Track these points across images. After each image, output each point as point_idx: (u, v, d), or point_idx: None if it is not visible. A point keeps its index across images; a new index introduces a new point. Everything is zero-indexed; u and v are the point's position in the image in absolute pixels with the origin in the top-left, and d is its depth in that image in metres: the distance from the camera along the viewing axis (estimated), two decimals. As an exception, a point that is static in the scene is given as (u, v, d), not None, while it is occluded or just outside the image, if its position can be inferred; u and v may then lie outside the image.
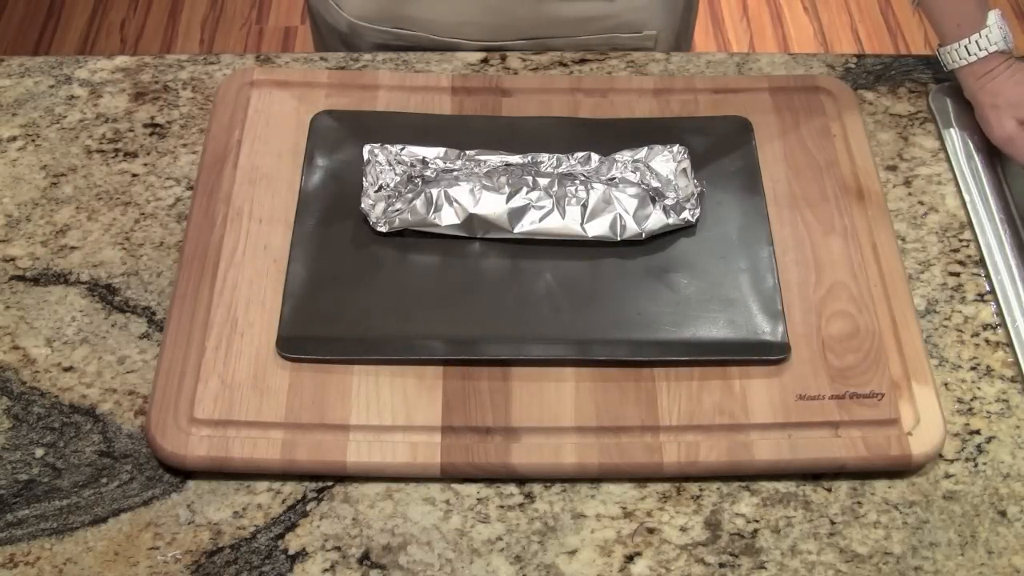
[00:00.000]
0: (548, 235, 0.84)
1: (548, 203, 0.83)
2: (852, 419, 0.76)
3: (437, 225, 0.83)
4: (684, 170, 0.87)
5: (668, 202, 0.85)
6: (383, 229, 0.84)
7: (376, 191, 0.85)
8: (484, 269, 0.83)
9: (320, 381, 0.77)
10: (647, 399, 0.77)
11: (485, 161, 0.86)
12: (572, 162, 0.87)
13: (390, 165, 0.86)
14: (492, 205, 0.83)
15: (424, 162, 0.86)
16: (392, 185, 0.85)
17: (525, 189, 0.83)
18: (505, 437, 0.75)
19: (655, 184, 0.85)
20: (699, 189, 0.87)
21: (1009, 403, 0.80)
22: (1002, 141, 0.92)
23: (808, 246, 0.86)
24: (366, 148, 0.87)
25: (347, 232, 0.85)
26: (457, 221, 0.83)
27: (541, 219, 0.83)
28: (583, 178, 0.85)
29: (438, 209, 0.83)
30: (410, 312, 0.80)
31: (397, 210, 0.84)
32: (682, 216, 0.85)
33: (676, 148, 0.88)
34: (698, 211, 0.86)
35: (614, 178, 0.86)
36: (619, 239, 0.83)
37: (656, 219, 0.84)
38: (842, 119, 0.94)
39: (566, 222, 0.83)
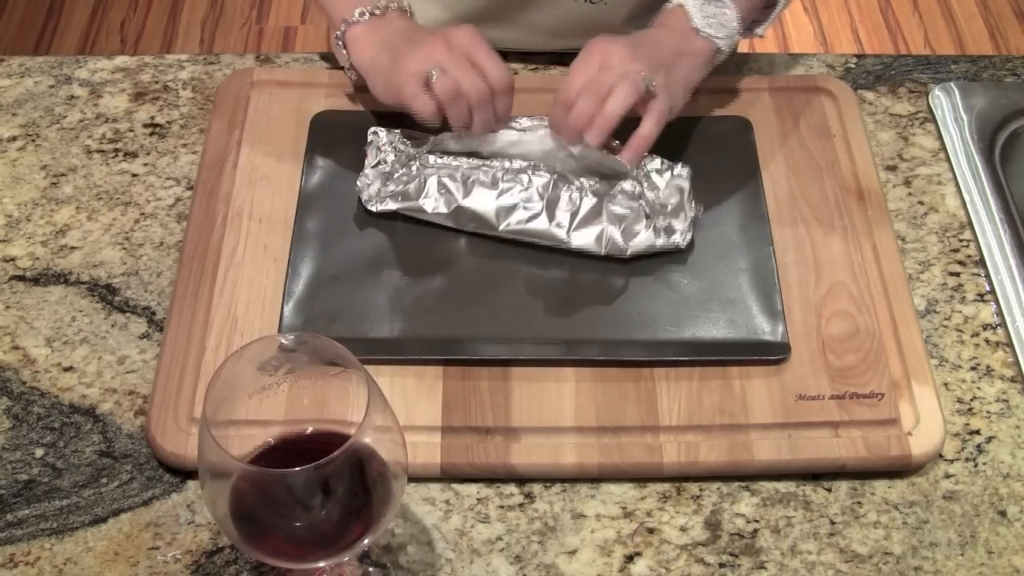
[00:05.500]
0: (532, 237, 0.83)
1: (538, 205, 0.82)
2: (852, 419, 0.76)
3: (424, 211, 0.83)
4: (683, 190, 0.85)
5: (660, 223, 0.83)
6: (373, 208, 0.84)
7: (374, 166, 0.85)
8: (484, 269, 0.83)
9: (320, 381, 0.77)
10: (647, 399, 0.77)
11: (490, 162, 0.85)
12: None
13: (392, 146, 0.86)
14: (482, 199, 0.83)
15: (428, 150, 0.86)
16: (390, 162, 0.85)
17: (519, 188, 0.83)
18: (505, 437, 0.75)
19: (652, 198, 0.84)
20: (695, 214, 0.85)
21: (1009, 403, 0.80)
22: None
23: (808, 246, 0.86)
24: (370, 130, 0.87)
25: (347, 232, 0.85)
26: (445, 211, 0.83)
27: (528, 220, 0.82)
28: (579, 183, 0.83)
29: (428, 195, 0.83)
30: (410, 312, 0.80)
31: (390, 192, 0.84)
32: (672, 239, 0.83)
33: (679, 168, 0.86)
34: (690, 235, 0.84)
35: (613, 181, 0.84)
36: (603, 252, 0.82)
37: (644, 238, 0.82)
38: (842, 119, 0.95)
39: (552, 227, 0.82)
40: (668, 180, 0.85)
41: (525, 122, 0.87)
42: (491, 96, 0.83)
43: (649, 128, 0.82)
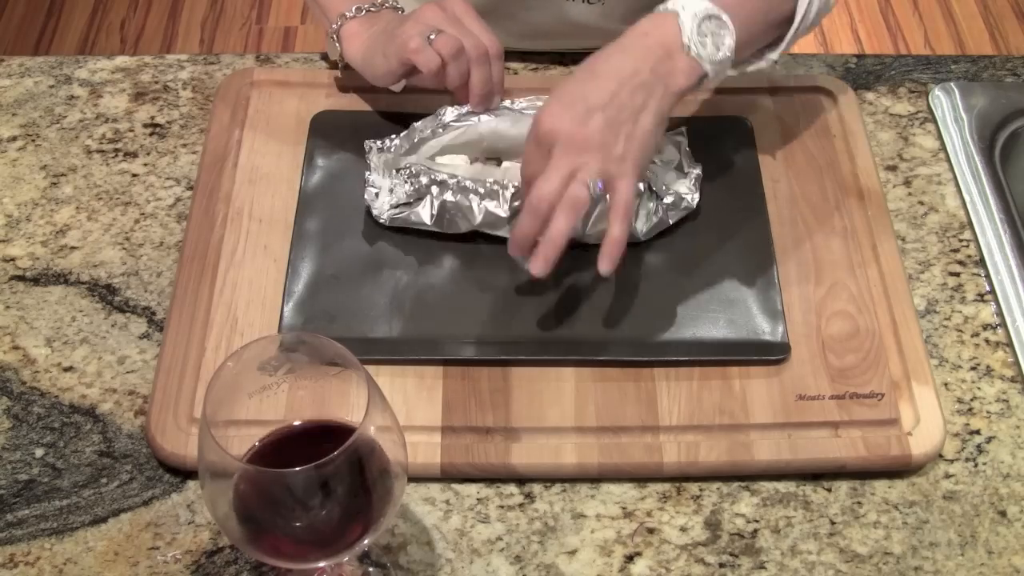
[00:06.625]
0: None
1: None
2: (852, 419, 0.76)
3: (440, 233, 0.83)
4: (680, 144, 0.86)
5: (667, 199, 0.83)
6: (385, 221, 0.84)
7: (377, 194, 0.84)
8: (484, 269, 0.83)
9: (320, 381, 0.77)
10: (647, 399, 0.77)
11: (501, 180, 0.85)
12: None
13: (391, 163, 0.86)
14: (494, 221, 0.82)
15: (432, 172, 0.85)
16: (394, 185, 0.84)
17: None
18: (505, 437, 0.75)
19: (650, 176, 0.83)
20: (697, 171, 0.85)
21: (1009, 403, 0.80)
22: None
23: (808, 246, 0.86)
24: (366, 144, 0.87)
25: (347, 232, 0.85)
26: (462, 231, 0.83)
27: None
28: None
29: (438, 222, 0.82)
30: (410, 312, 0.80)
31: (401, 217, 0.83)
32: (682, 207, 0.84)
33: (674, 131, 0.87)
34: (698, 195, 0.85)
35: None
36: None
37: (655, 220, 0.83)
38: (842, 119, 0.95)
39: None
40: (665, 142, 0.86)
41: (520, 103, 0.87)
42: (488, 56, 0.84)
43: (618, 230, 0.74)
